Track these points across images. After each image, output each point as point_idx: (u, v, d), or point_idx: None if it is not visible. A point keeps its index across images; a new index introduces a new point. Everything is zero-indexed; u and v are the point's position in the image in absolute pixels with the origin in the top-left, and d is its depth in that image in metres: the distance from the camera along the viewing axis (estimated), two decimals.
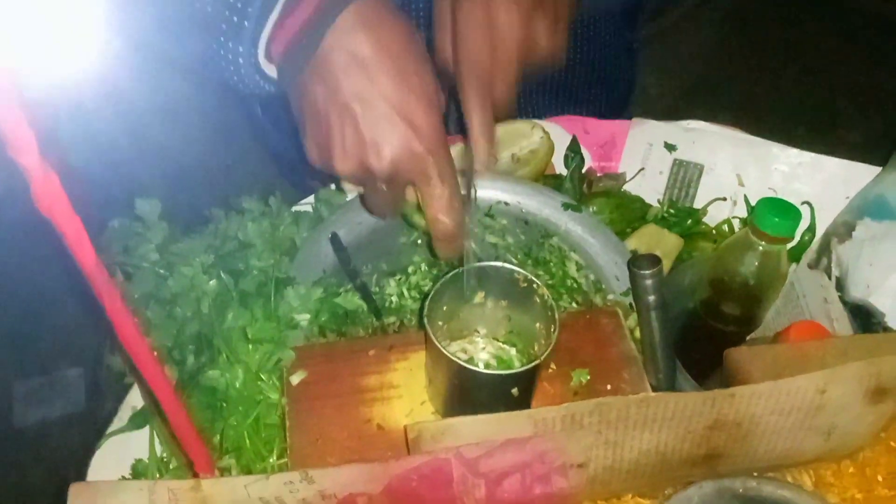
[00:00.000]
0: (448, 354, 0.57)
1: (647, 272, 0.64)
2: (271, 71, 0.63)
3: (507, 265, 0.64)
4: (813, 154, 0.89)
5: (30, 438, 1.58)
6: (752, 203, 0.88)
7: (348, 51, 0.58)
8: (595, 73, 1.09)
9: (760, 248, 0.70)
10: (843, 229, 0.79)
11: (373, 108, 0.58)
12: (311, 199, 0.86)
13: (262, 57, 0.62)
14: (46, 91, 0.37)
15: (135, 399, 0.71)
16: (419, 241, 0.84)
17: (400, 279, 0.84)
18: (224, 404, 0.65)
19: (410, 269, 0.84)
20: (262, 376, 0.67)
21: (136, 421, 0.69)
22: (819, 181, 0.87)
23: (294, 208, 0.84)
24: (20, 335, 1.65)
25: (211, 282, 0.70)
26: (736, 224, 0.89)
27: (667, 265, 0.85)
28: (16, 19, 0.34)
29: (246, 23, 0.60)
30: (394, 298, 0.82)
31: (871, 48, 2.31)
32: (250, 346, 0.67)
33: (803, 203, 0.86)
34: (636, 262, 0.65)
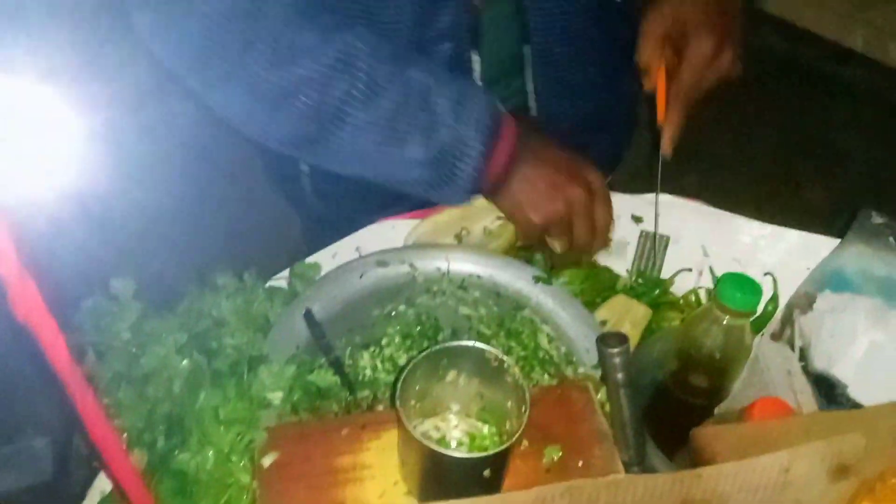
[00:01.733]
0: (419, 438, 0.58)
1: (614, 350, 0.65)
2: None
3: (478, 344, 0.65)
4: (774, 226, 0.92)
5: None
6: (717, 273, 0.91)
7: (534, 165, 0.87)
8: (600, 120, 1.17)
9: (724, 321, 0.72)
10: (805, 301, 0.82)
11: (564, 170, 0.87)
12: (285, 273, 0.87)
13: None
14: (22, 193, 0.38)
15: (103, 483, 0.70)
16: (393, 314, 0.85)
17: (374, 351, 0.84)
18: (194, 489, 0.65)
19: (384, 342, 0.84)
20: (234, 458, 0.67)
21: None
22: (780, 252, 0.90)
23: (268, 283, 0.85)
24: None
25: (184, 361, 0.70)
26: (702, 294, 0.91)
27: (636, 335, 0.87)
28: None
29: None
30: (367, 371, 0.82)
31: (828, 110, 2.40)
32: (222, 428, 0.67)
33: (766, 274, 0.88)
34: (604, 339, 0.67)
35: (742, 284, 0.71)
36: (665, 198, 0.96)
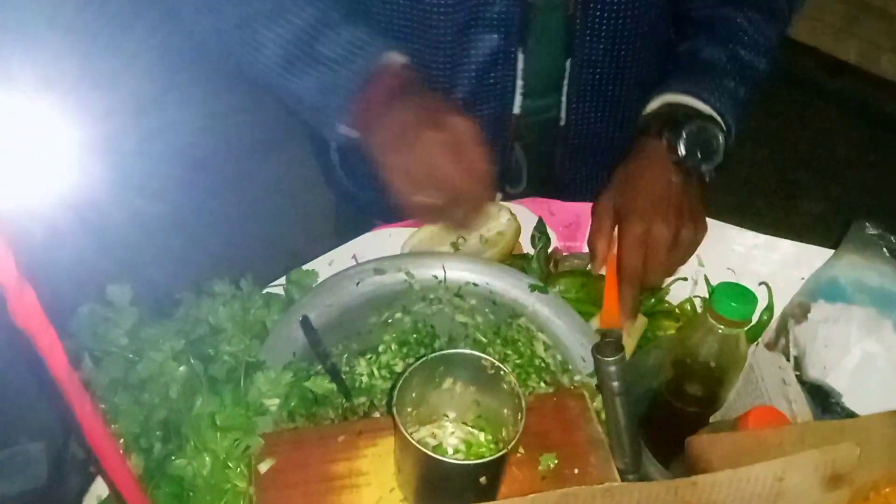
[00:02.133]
0: (415, 444, 0.58)
1: (610, 359, 0.65)
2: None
3: (475, 352, 0.65)
4: (768, 236, 0.92)
5: None
6: (712, 283, 0.91)
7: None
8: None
9: (719, 331, 0.72)
10: (799, 310, 0.82)
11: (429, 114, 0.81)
12: (282, 280, 0.87)
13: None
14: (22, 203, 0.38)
15: (100, 489, 0.70)
16: (389, 321, 0.86)
17: (370, 358, 0.84)
18: (191, 494, 0.65)
19: (381, 349, 0.85)
20: (230, 464, 0.67)
21: None
22: (775, 262, 0.91)
23: (265, 290, 0.85)
24: None
25: (180, 367, 0.70)
26: (697, 303, 0.92)
27: (631, 343, 0.87)
28: None
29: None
30: (364, 378, 0.83)
31: (823, 120, 2.41)
32: (218, 434, 0.67)
33: (760, 283, 0.89)
34: (600, 349, 0.67)
35: (737, 294, 0.72)
36: None
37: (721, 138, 0.90)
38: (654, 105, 0.95)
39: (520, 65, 0.96)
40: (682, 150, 0.88)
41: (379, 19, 0.94)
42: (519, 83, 0.98)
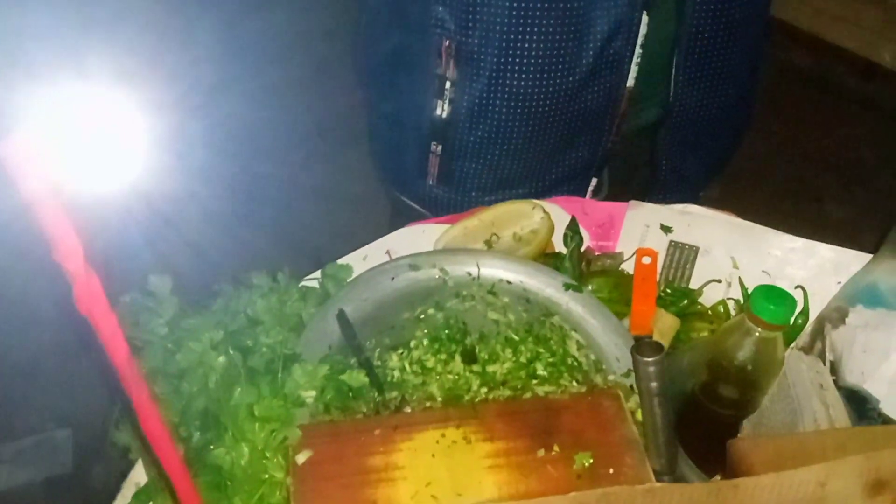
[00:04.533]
0: None
1: (650, 359, 0.65)
2: None
3: None
4: (805, 240, 0.92)
5: (14, 501, 1.55)
6: (747, 285, 0.91)
7: None
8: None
9: (757, 334, 0.72)
10: (837, 315, 0.81)
11: None
12: (317, 273, 0.87)
13: None
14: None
15: (138, 475, 0.71)
16: (422, 317, 0.86)
17: (402, 353, 0.85)
18: (229, 483, 0.66)
19: (413, 344, 0.85)
20: (268, 454, 0.67)
21: (140, 498, 0.69)
22: (811, 266, 0.90)
23: (301, 283, 0.86)
24: (9, 395, 1.63)
25: (219, 358, 0.71)
26: (731, 305, 0.91)
27: (664, 344, 0.86)
28: (61, 133, 0.37)
29: None
30: (395, 373, 0.83)
31: (852, 124, 2.39)
32: (256, 425, 0.67)
33: (796, 287, 0.88)
34: (639, 348, 0.67)
35: (775, 297, 0.71)
36: (694, 208, 0.96)
37: None
38: None
39: (642, 30, 0.95)
40: None
41: None
42: (638, 51, 0.96)
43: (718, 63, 1.01)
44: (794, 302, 0.71)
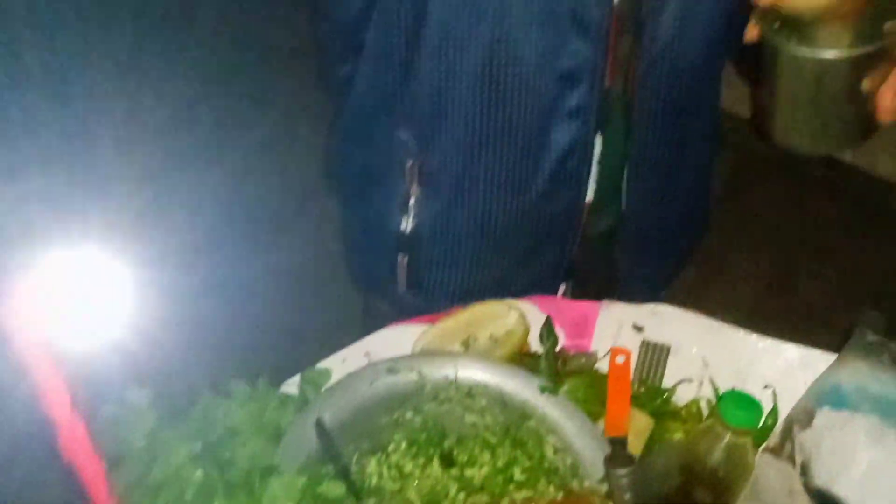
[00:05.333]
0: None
1: (622, 472, 0.67)
2: None
3: None
4: (773, 339, 0.95)
5: None
6: (718, 384, 0.93)
7: None
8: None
9: (727, 438, 0.74)
10: (804, 416, 0.83)
11: None
12: (297, 378, 0.88)
13: None
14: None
15: None
16: (400, 421, 0.87)
17: (380, 458, 0.85)
18: None
19: (391, 448, 0.86)
20: None
21: None
22: (779, 366, 0.93)
23: (281, 389, 0.87)
24: None
25: (196, 472, 0.71)
26: (703, 405, 0.93)
27: (639, 444, 0.88)
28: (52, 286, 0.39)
29: None
30: (374, 479, 0.83)
31: (820, 209, 2.47)
32: None
33: (766, 387, 0.91)
34: (612, 459, 0.68)
35: (742, 402, 0.73)
36: (665, 308, 0.99)
37: None
38: None
39: (597, 150, 0.99)
40: None
41: (460, 117, 0.96)
42: (594, 169, 1.00)
43: (668, 178, 1.06)
44: (760, 407, 0.74)
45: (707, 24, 0.92)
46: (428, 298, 1.09)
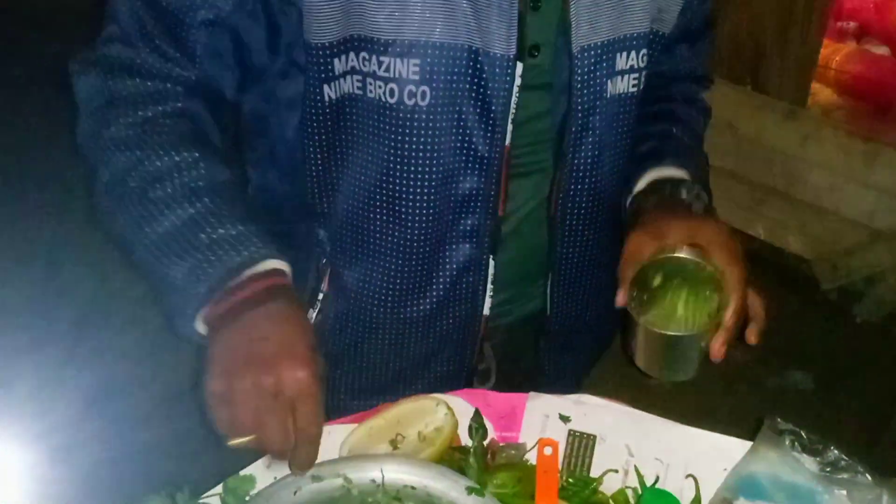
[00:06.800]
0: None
1: None
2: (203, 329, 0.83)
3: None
4: (688, 427, 0.97)
5: None
6: (643, 472, 0.95)
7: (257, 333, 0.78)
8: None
9: None
10: None
11: (269, 349, 0.77)
12: (218, 489, 0.86)
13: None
14: None
15: None
16: None
17: None
18: None
19: None
20: None
21: None
22: (699, 453, 0.95)
23: (201, 500, 0.84)
24: None
25: None
26: (630, 494, 0.94)
27: None
28: None
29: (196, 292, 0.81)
30: None
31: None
32: None
33: (687, 476, 0.93)
34: None
35: (662, 499, 0.75)
36: (589, 398, 1.01)
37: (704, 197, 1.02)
38: (641, 185, 1.04)
39: (490, 270, 1.04)
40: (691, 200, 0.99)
41: (356, 233, 1.02)
42: (489, 287, 1.05)
43: (589, 282, 1.13)
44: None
45: (619, 153, 1.04)
46: (329, 394, 1.10)
